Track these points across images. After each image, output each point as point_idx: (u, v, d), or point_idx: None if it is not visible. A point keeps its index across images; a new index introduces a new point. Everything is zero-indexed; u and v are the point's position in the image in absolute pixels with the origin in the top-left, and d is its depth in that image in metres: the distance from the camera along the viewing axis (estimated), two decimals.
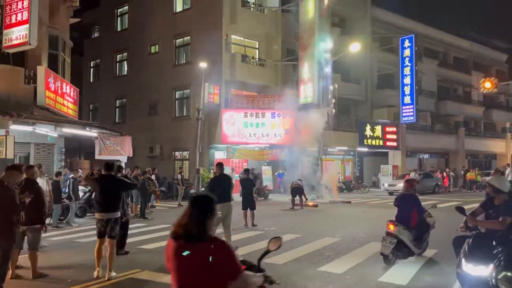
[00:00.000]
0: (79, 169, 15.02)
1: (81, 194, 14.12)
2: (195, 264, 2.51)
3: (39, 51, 14.80)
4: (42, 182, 10.05)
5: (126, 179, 8.55)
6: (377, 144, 29.22)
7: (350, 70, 29.96)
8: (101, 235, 6.82)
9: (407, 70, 30.17)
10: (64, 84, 16.45)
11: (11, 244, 5.77)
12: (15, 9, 12.86)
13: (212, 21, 23.63)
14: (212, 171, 21.32)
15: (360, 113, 31.28)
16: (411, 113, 29.91)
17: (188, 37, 25.11)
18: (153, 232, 11.19)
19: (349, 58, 24.85)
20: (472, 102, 40.87)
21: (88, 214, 14.18)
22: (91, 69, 32.18)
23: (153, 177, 17.64)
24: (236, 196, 15.03)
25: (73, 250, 8.94)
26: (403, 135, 30.68)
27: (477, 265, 4.48)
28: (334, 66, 24.42)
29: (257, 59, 25.40)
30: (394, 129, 30.41)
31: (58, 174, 12.97)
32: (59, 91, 15.70)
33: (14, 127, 12.98)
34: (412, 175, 23.74)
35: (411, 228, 7.29)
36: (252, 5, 25.77)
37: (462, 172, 30.90)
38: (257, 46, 25.75)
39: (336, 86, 24.40)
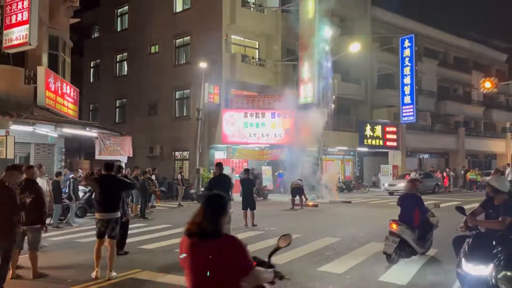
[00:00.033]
0: (79, 169, 15.02)
1: (81, 194, 14.12)
2: (209, 261, 2.58)
3: (39, 51, 14.82)
4: (43, 182, 10.05)
5: (126, 179, 8.56)
6: (377, 144, 29.23)
7: (350, 70, 29.97)
8: (100, 235, 6.82)
9: (407, 70, 30.18)
10: (64, 84, 16.46)
11: (12, 244, 5.78)
12: (15, 10, 12.87)
13: (212, 21, 23.64)
14: (212, 171, 21.33)
15: (360, 113, 31.28)
16: (411, 113, 29.92)
17: (188, 37, 25.11)
18: (153, 232, 11.20)
19: (349, 58, 24.88)
20: (472, 102, 40.88)
21: (88, 214, 14.18)
22: (91, 69, 32.19)
23: (153, 177, 17.64)
24: (236, 196, 15.05)
25: (73, 250, 8.94)
26: (403, 135, 30.69)
27: (477, 265, 4.49)
28: (334, 66, 24.44)
29: (257, 59, 25.41)
30: (394, 129, 30.42)
31: (58, 174, 12.97)
32: (59, 91, 15.71)
33: (14, 127, 12.99)
34: (413, 175, 23.72)
35: (414, 228, 7.35)
36: (252, 5, 25.78)
37: (462, 172, 30.91)
38: (257, 46, 25.76)
39: (335, 81, 24.43)
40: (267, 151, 24.45)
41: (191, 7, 25.26)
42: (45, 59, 15.48)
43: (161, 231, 11.35)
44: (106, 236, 6.83)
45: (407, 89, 30.21)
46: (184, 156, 24.81)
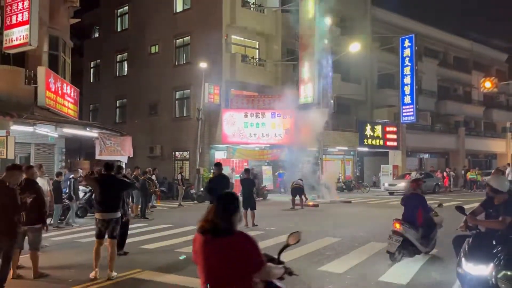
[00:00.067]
0: (80, 169, 15.03)
1: (81, 194, 14.13)
2: (222, 257, 2.64)
3: (39, 51, 14.84)
4: (43, 182, 10.05)
5: (126, 179, 8.56)
6: (377, 144, 29.24)
7: (350, 70, 29.96)
8: (100, 236, 6.83)
9: (407, 70, 30.18)
10: (65, 84, 16.47)
11: (13, 244, 5.79)
12: (16, 10, 12.90)
13: (212, 21, 23.65)
14: (212, 171, 21.33)
15: (360, 113, 31.27)
16: (411, 113, 29.92)
17: (188, 37, 25.12)
18: (153, 232, 11.21)
19: (349, 58, 24.87)
20: (472, 102, 40.88)
21: (88, 214, 14.18)
22: (91, 70, 32.22)
23: (153, 177, 17.66)
24: None
25: (74, 250, 8.95)
26: (403, 135, 30.69)
27: (477, 265, 4.49)
28: (334, 66, 24.45)
29: (257, 59, 25.42)
30: (394, 129, 30.43)
31: (59, 174, 12.95)
32: (60, 92, 15.73)
33: (14, 127, 13.01)
34: (414, 174, 23.73)
35: (417, 227, 7.40)
36: (252, 5, 25.78)
37: (463, 172, 30.91)
38: (257, 46, 25.76)
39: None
40: (267, 151, 24.46)
41: (191, 7, 25.27)
42: (45, 59, 15.51)
43: (162, 231, 11.36)
44: (106, 236, 6.84)
45: (407, 89, 30.21)
46: (184, 156, 24.82)
